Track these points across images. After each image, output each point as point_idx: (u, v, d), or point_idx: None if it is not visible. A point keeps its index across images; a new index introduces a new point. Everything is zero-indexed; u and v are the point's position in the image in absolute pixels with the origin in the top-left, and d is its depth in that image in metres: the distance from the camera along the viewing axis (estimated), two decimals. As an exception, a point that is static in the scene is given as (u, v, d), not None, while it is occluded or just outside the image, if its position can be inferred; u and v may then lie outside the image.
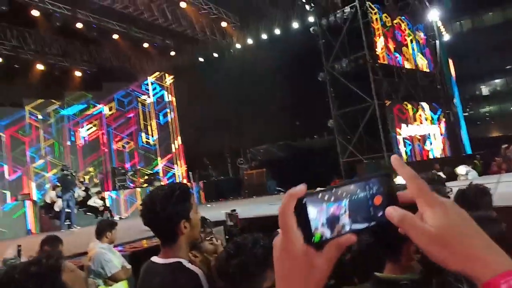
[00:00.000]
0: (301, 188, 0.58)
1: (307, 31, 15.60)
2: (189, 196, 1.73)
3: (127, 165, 17.25)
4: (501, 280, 0.46)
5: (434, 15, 17.02)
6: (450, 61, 18.32)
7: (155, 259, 1.74)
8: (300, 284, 0.56)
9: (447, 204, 0.53)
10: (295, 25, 16.09)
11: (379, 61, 14.55)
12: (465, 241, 0.50)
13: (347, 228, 0.56)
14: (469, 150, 17.47)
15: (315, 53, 15.43)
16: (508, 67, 31.80)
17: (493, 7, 32.03)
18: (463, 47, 24.29)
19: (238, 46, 17.50)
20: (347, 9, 14.87)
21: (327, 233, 0.56)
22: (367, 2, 14.62)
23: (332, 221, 0.57)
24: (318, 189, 0.59)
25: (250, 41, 17.13)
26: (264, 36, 16.79)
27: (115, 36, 16.11)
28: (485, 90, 34.07)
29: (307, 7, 15.59)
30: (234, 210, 6.41)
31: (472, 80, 30.62)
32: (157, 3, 14.93)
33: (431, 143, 16.06)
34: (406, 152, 14.79)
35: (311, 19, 15.68)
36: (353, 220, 0.56)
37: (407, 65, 16.00)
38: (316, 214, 0.57)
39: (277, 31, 16.44)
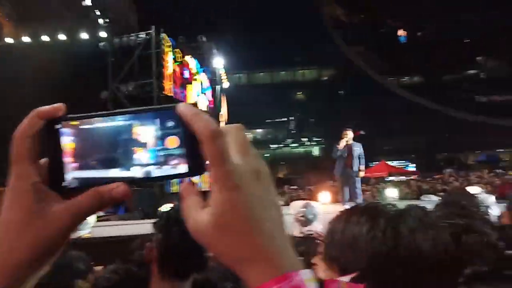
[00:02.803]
0: (54, 108, 0.42)
1: (97, 44, 14.81)
2: None
3: None
4: (272, 285, 0.38)
5: (219, 63, 18.95)
6: (224, 106, 20.49)
7: None
8: (20, 236, 0.40)
9: (242, 185, 0.39)
10: (84, 35, 15.04)
11: (164, 92, 14.98)
12: (240, 239, 0.39)
13: (115, 174, 0.41)
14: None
15: (101, 69, 14.70)
16: (268, 120, 38.08)
17: (264, 69, 38.25)
18: (238, 97, 27.74)
19: (9, 40, 14.98)
20: (142, 35, 14.92)
21: (82, 175, 0.41)
22: (162, 34, 15.06)
23: (94, 161, 0.41)
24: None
25: (26, 39, 14.95)
26: (46, 38, 14.98)
27: None
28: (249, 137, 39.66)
29: (101, 21, 14.89)
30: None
31: (240, 126, 35.08)
32: None
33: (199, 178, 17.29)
34: (177, 183, 15.40)
35: (103, 34, 14.99)
36: (125, 164, 0.41)
37: (190, 102, 17.06)
38: (72, 148, 0.41)
39: (62, 36, 14.96)
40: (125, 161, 0.42)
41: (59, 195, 0.41)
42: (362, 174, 7.87)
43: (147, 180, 0.43)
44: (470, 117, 33.58)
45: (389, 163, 21.81)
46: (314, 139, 38.50)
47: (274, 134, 39.45)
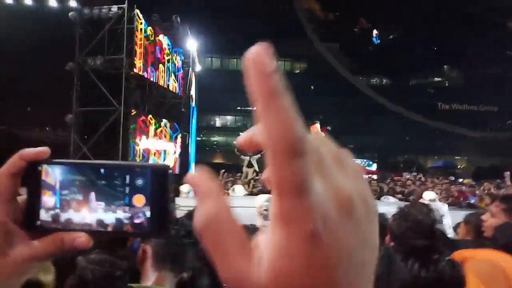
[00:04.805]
0: (38, 151, 0.43)
1: (66, 13, 14.17)
2: None
3: None
4: None
5: (192, 44, 18.58)
6: (194, 89, 20.23)
7: None
8: None
9: (324, 231, 0.24)
10: (53, 2, 14.32)
11: (135, 70, 14.60)
12: None
13: (85, 221, 0.42)
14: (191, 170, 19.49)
15: (68, 39, 14.10)
16: (238, 108, 37.96)
17: (238, 55, 37.95)
18: (209, 81, 27.43)
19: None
20: (114, 8, 14.40)
21: (57, 219, 0.43)
22: (136, 10, 14.60)
23: (68, 205, 0.43)
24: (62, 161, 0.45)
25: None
26: (9, 1, 14.14)
27: None
28: (218, 122, 39.50)
29: (72, -11, 14.22)
30: None
31: (210, 111, 34.92)
32: None
33: (164, 159, 17.08)
34: (140, 164, 15.14)
35: (73, 3, 14.33)
36: (95, 214, 0.43)
37: (160, 82, 16.71)
38: (50, 189, 0.43)
39: (29, 1, 14.19)
40: (95, 211, 0.43)
41: (29, 234, 0.43)
42: None
43: (113, 234, 0.44)
44: (431, 123, 34.92)
45: (352, 160, 22.28)
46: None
47: (243, 122, 39.40)
